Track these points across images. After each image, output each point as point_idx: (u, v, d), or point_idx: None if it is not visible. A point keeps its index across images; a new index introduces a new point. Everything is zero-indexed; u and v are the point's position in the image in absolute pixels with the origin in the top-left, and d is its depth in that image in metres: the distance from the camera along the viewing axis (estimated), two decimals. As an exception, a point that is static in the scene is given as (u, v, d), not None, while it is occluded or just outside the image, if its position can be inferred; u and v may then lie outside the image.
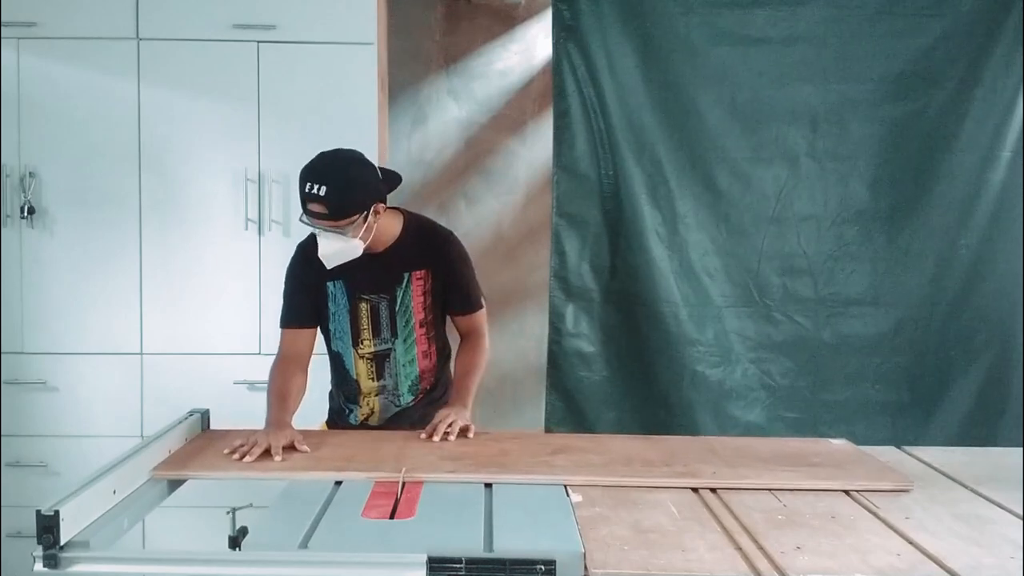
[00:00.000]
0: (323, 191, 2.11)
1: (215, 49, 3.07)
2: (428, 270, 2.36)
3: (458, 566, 1.49)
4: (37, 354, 3.11)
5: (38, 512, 1.52)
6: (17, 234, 3.08)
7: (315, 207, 2.14)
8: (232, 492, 2.13)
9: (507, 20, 3.94)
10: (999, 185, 3.48)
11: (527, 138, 3.95)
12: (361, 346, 2.39)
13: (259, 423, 2.88)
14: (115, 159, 3.08)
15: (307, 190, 2.12)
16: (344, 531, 1.67)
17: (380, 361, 2.40)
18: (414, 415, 2.44)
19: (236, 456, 2.03)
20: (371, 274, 2.32)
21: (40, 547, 1.52)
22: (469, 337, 2.47)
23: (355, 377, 2.43)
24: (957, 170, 3.48)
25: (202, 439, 2.23)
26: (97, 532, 1.64)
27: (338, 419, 2.55)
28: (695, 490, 1.89)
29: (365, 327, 2.37)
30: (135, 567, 1.62)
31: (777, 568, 1.49)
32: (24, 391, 3.10)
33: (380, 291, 2.35)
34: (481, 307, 2.46)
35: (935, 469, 2.11)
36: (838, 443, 2.27)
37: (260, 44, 3.08)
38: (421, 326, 2.38)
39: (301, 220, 2.20)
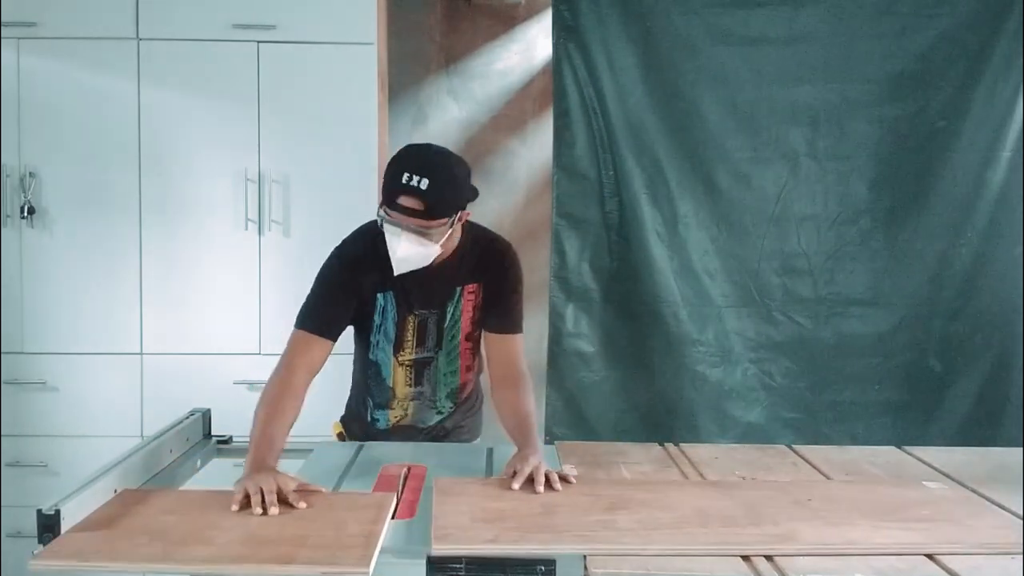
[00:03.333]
0: (425, 184, 1.89)
1: (215, 49, 3.07)
2: (480, 284, 2.18)
3: (458, 566, 1.49)
4: (37, 354, 3.11)
5: (39, 511, 1.52)
6: (17, 234, 3.08)
7: (410, 201, 1.91)
8: (232, 492, 2.13)
9: (507, 20, 3.94)
10: (999, 185, 3.48)
11: (527, 138, 3.95)
12: (402, 354, 2.22)
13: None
14: (115, 159, 3.08)
15: (405, 181, 1.90)
16: (344, 531, 1.67)
17: (420, 368, 2.24)
18: (449, 425, 2.34)
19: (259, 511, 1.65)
20: (423, 288, 2.14)
21: (41, 546, 1.52)
22: (509, 373, 2.15)
23: (391, 385, 2.26)
24: (957, 170, 3.48)
25: (118, 504, 1.70)
26: (97, 532, 1.64)
27: (358, 426, 2.38)
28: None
29: (409, 339, 2.20)
30: (135, 566, 1.61)
31: (777, 568, 1.49)
32: (24, 391, 3.10)
33: (431, 306, 2.17)
34: (521, 331, 2.20)
35: (935, 469, 2.11)
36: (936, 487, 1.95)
37: (260, 44, 3.08)
38: (467, 340, 2.23)
39: (379, 215, 1.98)
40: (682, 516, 1.69)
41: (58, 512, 1.52)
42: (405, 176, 1.91)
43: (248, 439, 1.93)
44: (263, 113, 3.10)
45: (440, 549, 1.51)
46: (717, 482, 1.99)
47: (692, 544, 1.57)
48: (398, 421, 2.32)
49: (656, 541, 1.57)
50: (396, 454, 2.16)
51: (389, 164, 1.99)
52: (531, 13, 3.92)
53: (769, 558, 1.53)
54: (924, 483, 1.95)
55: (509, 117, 3.96)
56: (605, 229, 3.51)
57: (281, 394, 2.04)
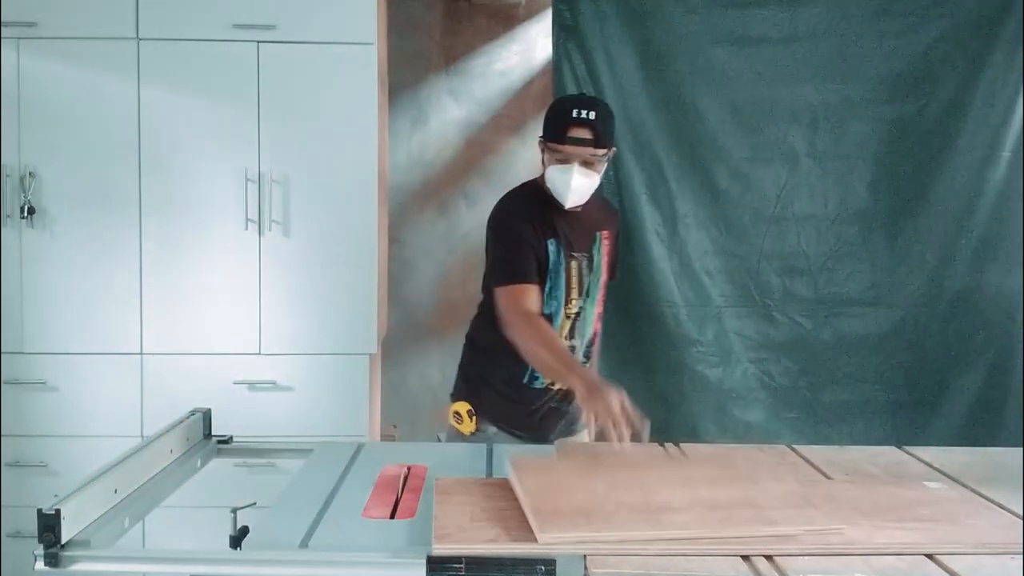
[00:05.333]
0: (592, 115, 2.16)
1: (215, 49, 3.07)
2: (610, 231, 2.43)
3: (458, 566, 1.49)
4: (37, 354, 3.11)
5: (39, 511, 1.52)
6: (17, 234, 3.08)
7: (582, 132, 2.17)
8: (234, 491, 2.14)
9: (507, 20, 3.95)
10: (999, 185, 3.49)
11: (527, 138, 3.95)
12: (569, 305, 2.34)
13: (260, 423, 2.90)
14: (115, 159, 3.08)
15: (575, 115, 2.16)
16: (344, 531, 1.67)
17: (575, 320, 2.37)
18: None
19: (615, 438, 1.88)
20: (575, 232, 2.33)
21: (41, 546, 1.51)
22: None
23: (557, 327, 2.35)
24: (957, 170, 3.49)
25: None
26: (98, 531, 1.64)
27: (502, 396, 2.39)
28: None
29: (574, 286, 2.34)
30: (136, 566, 1.62)
31: (777, 568, 1.49)
32: (24, 391, 3.10)
33: (583, 249, 2.36)
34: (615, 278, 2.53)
35: (936, 469, 2.11)
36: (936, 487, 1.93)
37: (260, 44, 3.08)
38: (604, 287, 2.43)
39: (546, 154, 2.23)
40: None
41: (58, 512, 1.52)
42: (575, 111, 2.17)
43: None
44: (263, 113, 3.10)
45: (440, 549, 1.51)
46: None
47: (692, 544, 1.56)
48: (552, 381, 2.35)
49: (656, 541, 1.57)
50: (396, 454, 2.16)
51: (552, 108, 2.27)
52: (531, 13, 3.92)
53: (769, 558, 1.53)
54: (924, 483, 1.94)
55: (509, 117, 3.96)
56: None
57: (541, 326, 2.19)
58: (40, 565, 1.52)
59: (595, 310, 2.43)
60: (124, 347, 3.12)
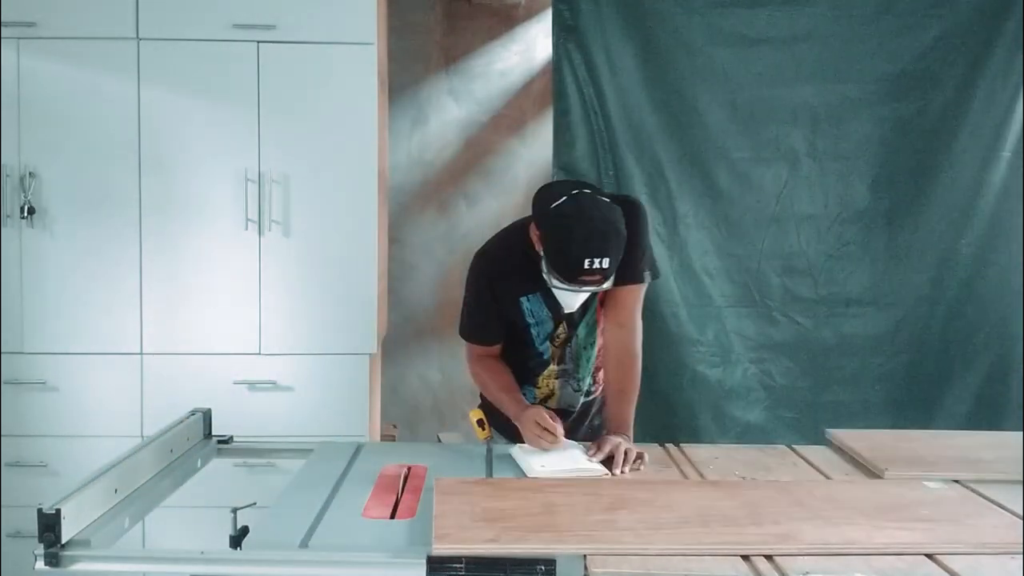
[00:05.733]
0: (606, 263, 1.99)
1: (215, 49, 3.07)
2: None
3: (458, 566, 1.49)
4: (37, 354, 3.11)
5: (40, 511, 1.52)
6: (17, 234, 3.08)
7: (592, 278, 2.01)
8: (233, 491, 2.14)
9: (507, 20, 3.95)
10: (999, 185, 3.49)
11: (527, 138, 3.96)
12: (555, 340, 2.30)
13: (260, 424, 2.91)
14: (115, 159, 3.08)
15: (588, 266, 1.98)
16: (344, 531, 1.68)
17: (563, 346, 2.31)
18: (591, 418, 2.43)
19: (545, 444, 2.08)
20: None
21: (42, 545, 1.52)
22: (623, 322, 2.27)
23: (539, 362, 2.33)
24: (957, 170, 3.49)
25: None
26: (98, 531, 1.64)
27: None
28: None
29: (560, 322, 2.28)
30: (136, 566, 1.62)
31: (777, 568, 1.49)
32: (24, 391, 3.10)
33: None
34: (642, 281, 2.27)
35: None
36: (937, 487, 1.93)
37: (260, 44, 3.08)
38: (601, 304, 2.28)
39: (557, 286, 2.05)
40: (682, 516, 1.69)
41: (58, 512, 1.52)
42: (587, 262, 1.98)
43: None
44: (263, 113, 3.10)
45: (440, 549, 1.51)
46: (717, 482, 1.99)
47: (692, 544, 1.57)
48: (545, 399, 2.37)
49: (656, 541, 1.57)
50: (396, 454, 2.16)
51: (564, 242, 2.00)
52: (531, 13, 3.92)
53: (769, 558, 1.53)
54: (924, 483, 1.94)
55: (509, 117, 3.97)
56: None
57: (491, 364, 2.31)
58: (40, 565, 1.52)
59: (596, 330, 2.32)
60: (124, 347, 3.12)
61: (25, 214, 3.04)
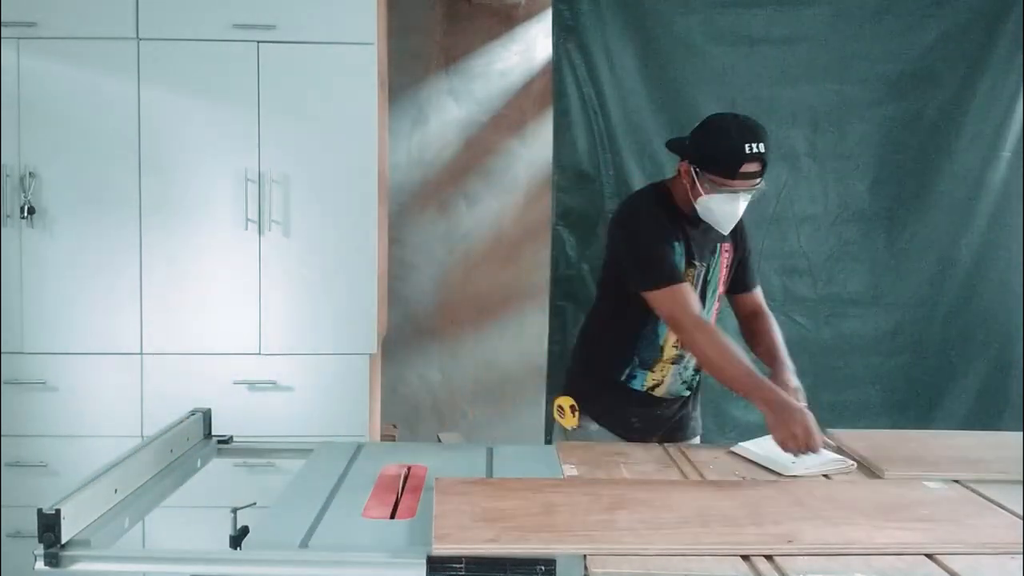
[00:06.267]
0: (762, 148, 2.13)
1: (215, 49, 3.07)
2: (732, 245, 2.40)
3: (458, 566, 1.49)
4: (37, 354, 3.11)
5: (40, 511, 1.52)
6: (17, 234, 3.08)
7: (753, 167, 2.14)
8: (233, 491, 2.14)
9: (507, 20, 3.95)
10: (999, 185, 3.49)
11: (527, 138, 3.95)
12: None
13: (260, 424, 2.90)
14: (115, 159, 3.08)
15: (748, 151, 2.11)
16: (344, 531, 1.67)
17: None
18: (691, 412, 2.50)
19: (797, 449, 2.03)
20: (697, 240, 2.32)
21: (41, 546, 1.52)
22: (758, 314, 2.51)
23: (661, 343, 2.37)
24: (957, 170, 3.48)
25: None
26: (98, 531, 1.64)
27: (608, 393, 2.43)
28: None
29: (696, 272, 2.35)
30: (136, 566, 1.62)
31: (777, 568, 1.49)
32: (24, 391, 3.10)
33: (703, 259, 2.35)
34: (758, 283, 2.55)
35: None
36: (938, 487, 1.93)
37: (260, 44, 3.08)
38: (718, 300, 2.42)
39: (707, 184, 2.17)
40: (682, 516, 1.69)
41: (58, 512, 1.52)
42: (747, 147, 2.11)
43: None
44: (263, 113, 3.10)
45: (440, 549, 1.51)
46: (717, 482, 1.99)
47: (692, 544, 1.57)
48: (654, 386, 2.40)
49: (656, 541, 1.57)
50: (396, 454, 2.16)
51: (719, 144, 2.16)
52: (531, 13, 3.92)
53: (769, 558, 1.53)
54: (924, 483, 1.94)
55: (509, 117, 3.96)
56: (605, 229, 3.50)
57: (720, 337, 2.22)
58: (40, 565, 1.52)
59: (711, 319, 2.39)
60: (124, 347, 3.12)
61: (25, 214, 3.04)
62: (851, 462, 2.10)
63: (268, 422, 3.03)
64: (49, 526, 1.52)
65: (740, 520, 1.67)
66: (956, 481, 1.97)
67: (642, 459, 2.18)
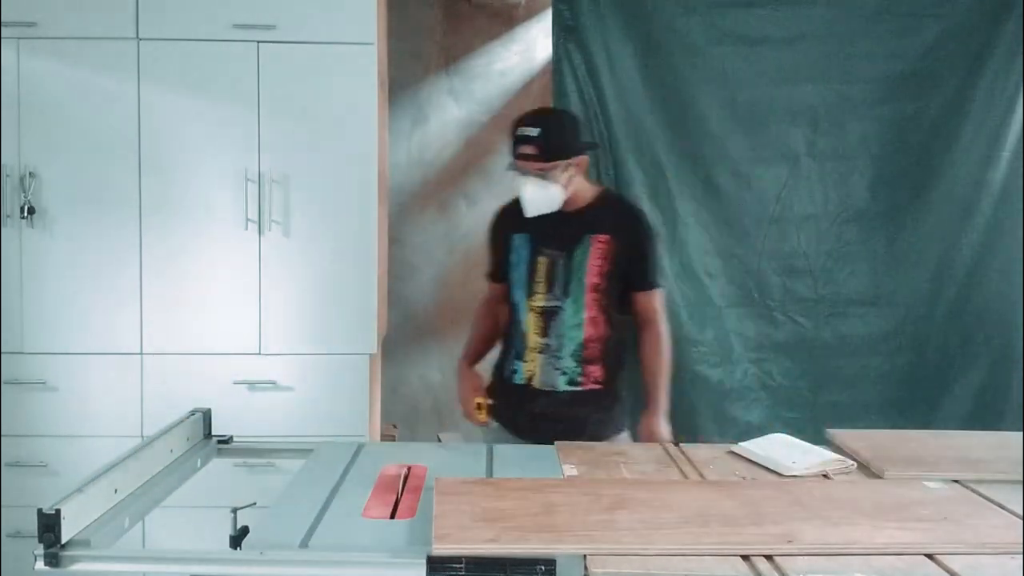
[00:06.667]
0: (536, 132, 2.33)
1: (215, 49, 3.07)
2: (612, 237, 2.43)
3: (458, 566, 1.49)
4: (37, 354, 3.10)
5: (39, 511, 1.52)
6: (17, 234, 3.08)
7: (527, 148, 2.33)
8: (233, 491, 2.14)
9: (507, 20, 3.95)
10: (999, 185, 3.49)
11: (527, 138, 3.94)
12: (533, 298, 2.45)
13: (260, 424, 2.91)
14: (115, 159, 3.08)
15: (519, 134, 2.35)
16: (344, 531, 1.67)
17: (548, 318, 2.44)
18: (580, 413, 2.45)
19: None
20: (556, 231, 2.43)
21: (41, 546, 1.52)
22: (646, 325, 2.52)
23: (524, 330, 2.48)
24: (957, 170, 3.49)
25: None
26: (98, 531, 1.64)
27: (499, 389, 2.55)
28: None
29: (540, 280, 2.45)
30: (136, 566, 1.62)
31: (777, 568, 1.49)
32: (24, 391, 3.10)
33: (560, 247, 2.44)
34: (660, 287, 2.55)
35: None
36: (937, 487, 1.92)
37: (260, 44, 3.08)
38: (594, 291, 2.42)
39: (509, 168, 2.40)
40: (682, 516, 1.69)
41: (58, 512, 1.52)
42: (520, 129, 2.37)
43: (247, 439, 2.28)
44: (263, 113, 3.10)
45: (440, 549, 1.51)
46: (717, 482, 1.99)
47: (692, 544, 1.57)
48: (530, 379, 2.48)
49: (656, 541, 1.57)
50: (396, 454, 2.16)
51: (514, 121, 2.43)
52: (531, 13, 3.92)
53: (769, 558, 1.53)
54: (924, 483, 1.94)
55: (509, 117, 3.94)
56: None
57: (481, 310, 2.67)
58: (40, 565, 1.52)
59: (584, 314, 2.42)
60: (124, 347, 3.12)
61: (25, 214, 3.04)
62: (851, 462, 2.10)
63: (268, 422, 3.03)
64: (49, 526, 1.52)
65: (740, 520, 1.67)
66: (956, 481, 1.97)
67: (642, 459, 2.17)
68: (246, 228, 3.12)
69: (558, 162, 2.35)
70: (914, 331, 3.55)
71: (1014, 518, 1.74)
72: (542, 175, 2.35)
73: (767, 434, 2.24)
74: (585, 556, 1.51)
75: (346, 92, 3.11)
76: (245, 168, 3.10)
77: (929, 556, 1.55)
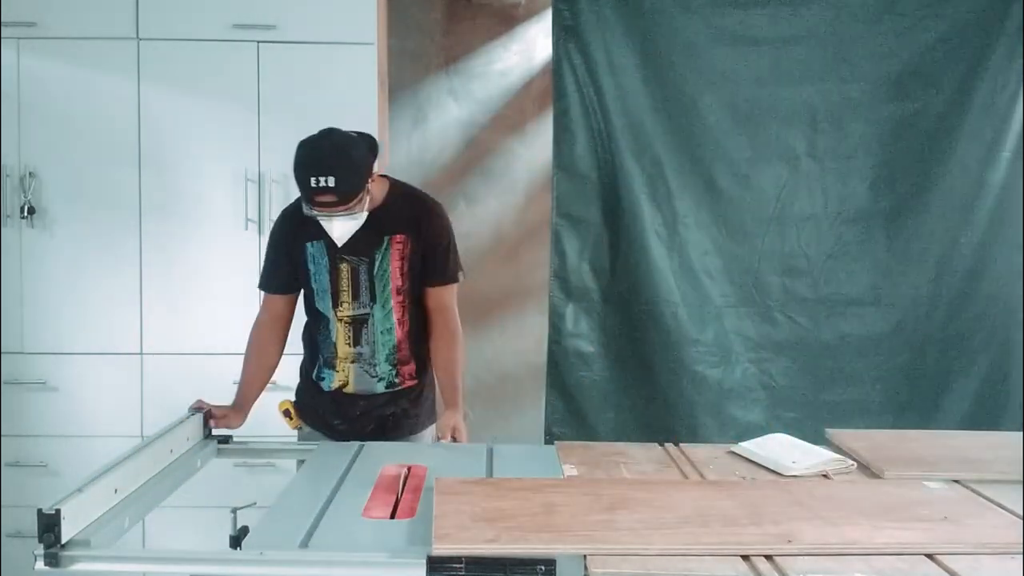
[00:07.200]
0: (332, 182, 2.13)
1: (215, 49, 3.07)
2: (407, 235, 2.35)
3: (458, 566, 1.49)
4: (37, 354, 3.11)
5: (40, 511, 1.52)
6: (17, 234, 3.08)
7: (325, 198, 2.15)
8: (233, 491, 2.14)
9: (507, 20, 3.94)
10: (999, 185, 3.48)
11: (527, 138, 3.95)
12: (340, 308, 2.36)
13: (260, 424, 2.91)
14: (115, 159, 3.08)
15: (314, 185, 2.13)
16: (344, 531, 1.68)
17: (358, 326, 2.37)
18: (396, 411, 2.43)
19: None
20: (354, 236, 2.29)
21: (41, 546, 1.52)
22: (438, 321, 2.42)
23: (334, 340, 2.39)
24: (957, 170, 3.48)
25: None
26: (98, 531, 1.64)
27: (308, 393, 2.49)
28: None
29: (345, 289, 2.35)
30: (136, 566, 1.62)
31: (777, 568, 1.49)
32: (24, 391, 3.10)
33: (360, 253, 2.33)
34: (454, 281, 2.45)
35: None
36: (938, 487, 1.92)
37: (260, 44, 3.08)
38: (398, 293, 2.37)
39: (307, 213, 2.20)
40: (682, 516, 1.69)
41: (58, 512, 1.52)
42: (313, 180, 2.14)
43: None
44: (263, 113, 3.10)
45: (440, 549, 1.51)
46: (717, 482, 1.99)
47: (692, 544, 1.57)
48: (342, 386, 2.41)
49: (656, 541, 1.57)
50: (396, 454, 2.16)
51: (295, 167, 2.20)
52: (531, 13, 3.92)
53: (769, 558, 1.53)
54: (924, 483, 1.94)
55: (509, 117, 3.96)
56: (605, 229, 3.51)
57: (262, 335, 2.45)
58: (40, 565, 1.52)
59: (394, 317, 2.37)
60: (124, 347, 3.12)
61: (25, 214, 3.05)
62: (851, 462, 2.10)
63: (268, 422, 3.03)
64: (49, 526, 1.52)
65: (740, 520, 1.67)
66: (956, 481, 1.97)
67: (642, 459, 2.17)
68: (246, 228, 3.12)
69: (359, 196, 2.20)
70: (914, 331, 3.55)
71: (1014, 518, 1.74)
72: (348, 213, 2.20)
73: (767, 434, 2.24)
74: (585, 556, 1.51)
75: (346, 92, 3.11)
76: (245, 168, 3.10)
77: (929, 556, 1.55)
